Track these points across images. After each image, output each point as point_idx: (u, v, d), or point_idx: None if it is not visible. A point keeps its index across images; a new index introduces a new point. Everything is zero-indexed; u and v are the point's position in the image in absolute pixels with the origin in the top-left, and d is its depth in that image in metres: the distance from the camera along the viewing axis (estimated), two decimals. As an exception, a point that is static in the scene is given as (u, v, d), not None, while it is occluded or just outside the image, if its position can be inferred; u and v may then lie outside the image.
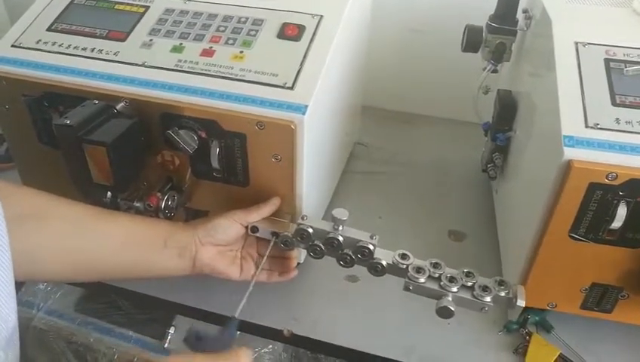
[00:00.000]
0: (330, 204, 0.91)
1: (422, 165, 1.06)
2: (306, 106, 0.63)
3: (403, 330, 0.74)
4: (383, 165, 1.06)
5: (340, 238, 0.65)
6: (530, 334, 0.72)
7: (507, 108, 0.81)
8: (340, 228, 0.65)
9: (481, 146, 0.95)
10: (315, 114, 0.65)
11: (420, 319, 0.74)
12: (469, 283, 0.61)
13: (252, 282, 0.65)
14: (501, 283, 0.62)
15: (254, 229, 0.68)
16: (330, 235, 0.65)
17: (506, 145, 0.83)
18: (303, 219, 0.66)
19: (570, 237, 0.61)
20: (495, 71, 0.85)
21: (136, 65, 0.69)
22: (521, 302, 0.61)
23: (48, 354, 0.90)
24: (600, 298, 0.67)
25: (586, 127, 0.59)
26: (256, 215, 0.68)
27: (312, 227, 0.65)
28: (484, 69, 0.85)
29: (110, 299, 0.90)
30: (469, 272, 0.62)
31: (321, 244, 0.66)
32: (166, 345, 0.79)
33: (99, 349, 0.88)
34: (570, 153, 0.57)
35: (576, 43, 0.66)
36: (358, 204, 0.94)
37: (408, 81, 1.17)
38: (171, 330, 0.79)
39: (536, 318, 0.73)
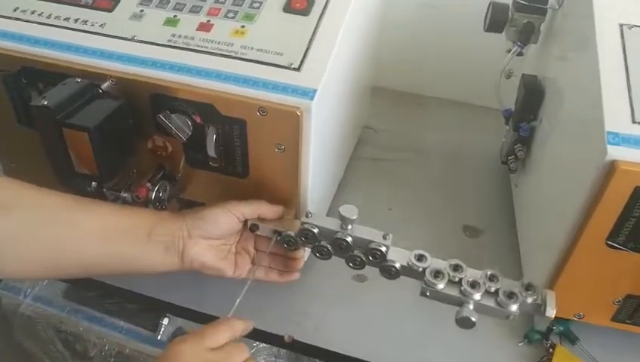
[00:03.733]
0: (337, 194, 0.88)
1: (435, 153, 1.02)
2: (315, 91, 0.59)
3: (415, 338, 0.71)
4: (392, 151, 1.02)
5: (349, 239, 0.60)
6: (554, 346, 0.68)
7: (533, 96, 0.77)
8: (349, 227, 0.61)
9: (500, 134, 0.91)
10: (324, 99, 0.61)
11: (433, 326, 0.71)
12: (493, 289, 0.56)
13: (248, 281, 0.62)
14: (528, 287, 0.57)
15: (254, 227, 0.64)
16: (339, 236, 0.60)
17: (530, 136, 0.79)
18: (307, 216, 0.62)
19: (607, 244, 0.58)
20: (520, 53, 0.80)
21: (124, 39, 0.65)
22: (551, 312, 0.56)
23: (37, 341, 0.90)
24: (634, 310, 0.63)
25: (633, 122, 0.54)
26: (254, 210, 0.64)
27: (317, 226, 0.61)
28: (509, 51, 0.80)
29: (101, 285, 0.88)
30: (492, 276, 0.57)
31: (328, 245, 0.62)
32: (159, 337, 0.77)
33: (89, 339, 0.87)
34: (614, 152, 0.53)
35: (621, 25, 0.61)
36: (366, 193, 0.91)
37: (422, 61, 1.13)
38: (165, 321, 0.78)
39: (561, 328, 0.69)
